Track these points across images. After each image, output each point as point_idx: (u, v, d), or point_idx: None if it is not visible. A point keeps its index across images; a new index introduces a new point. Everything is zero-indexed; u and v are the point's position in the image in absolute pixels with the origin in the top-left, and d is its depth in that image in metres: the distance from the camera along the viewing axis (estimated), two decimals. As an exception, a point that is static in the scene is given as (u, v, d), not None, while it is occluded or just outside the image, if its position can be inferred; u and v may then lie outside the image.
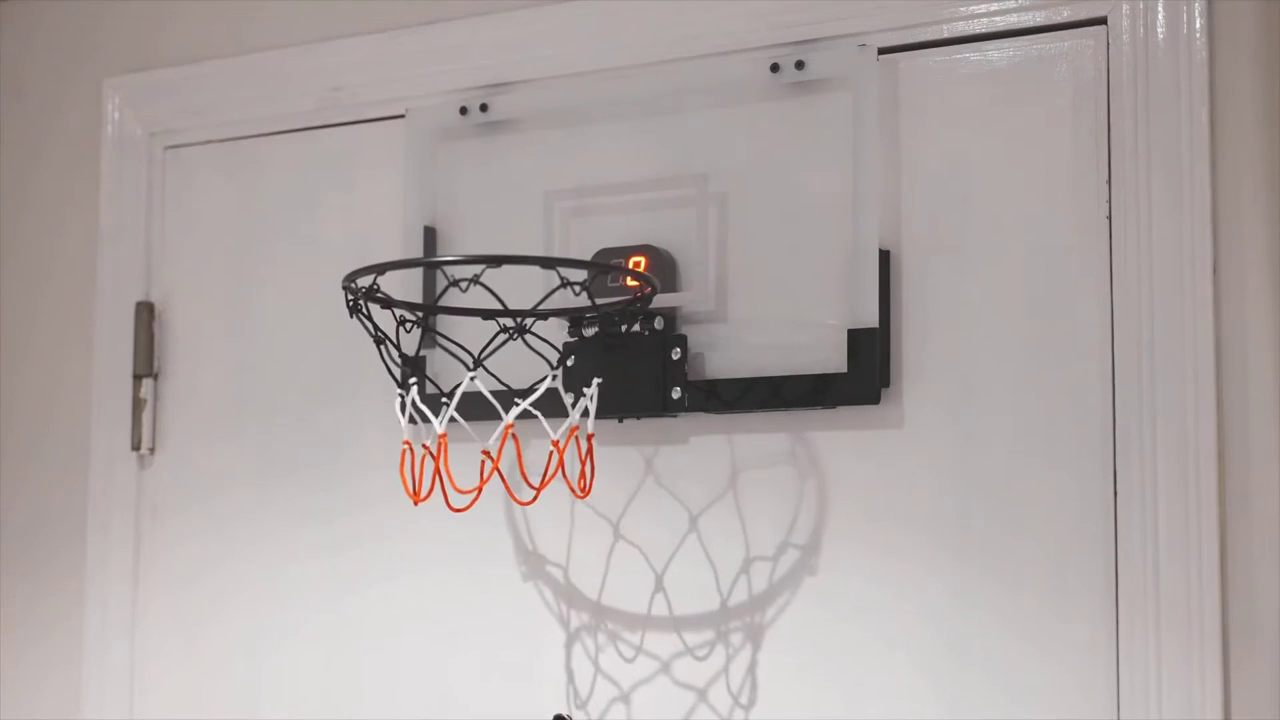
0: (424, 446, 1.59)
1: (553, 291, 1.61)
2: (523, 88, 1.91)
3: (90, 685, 2.13)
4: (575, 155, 1.87)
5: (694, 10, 1.82)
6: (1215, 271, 1.57)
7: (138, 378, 2.14)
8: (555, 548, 1.86)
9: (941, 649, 1.66)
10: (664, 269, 1.76)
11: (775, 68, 1.75)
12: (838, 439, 1.72)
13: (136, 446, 2.13)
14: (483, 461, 1.55)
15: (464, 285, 1.53)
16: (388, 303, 1.62)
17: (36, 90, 2.30)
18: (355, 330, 1.63)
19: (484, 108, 1.91)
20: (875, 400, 1.67)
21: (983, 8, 1.68)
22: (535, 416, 1.58)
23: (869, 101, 1.69)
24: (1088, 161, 1.63)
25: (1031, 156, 1.66)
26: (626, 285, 1.73)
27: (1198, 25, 1.59)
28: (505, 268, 1.52)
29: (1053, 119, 1.65)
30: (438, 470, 1.55)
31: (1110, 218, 1.61)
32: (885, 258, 1.69)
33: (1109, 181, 1.62)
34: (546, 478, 1.60)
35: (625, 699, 1.81)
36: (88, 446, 2.17)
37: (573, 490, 1.65)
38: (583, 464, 1.65)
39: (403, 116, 1.96)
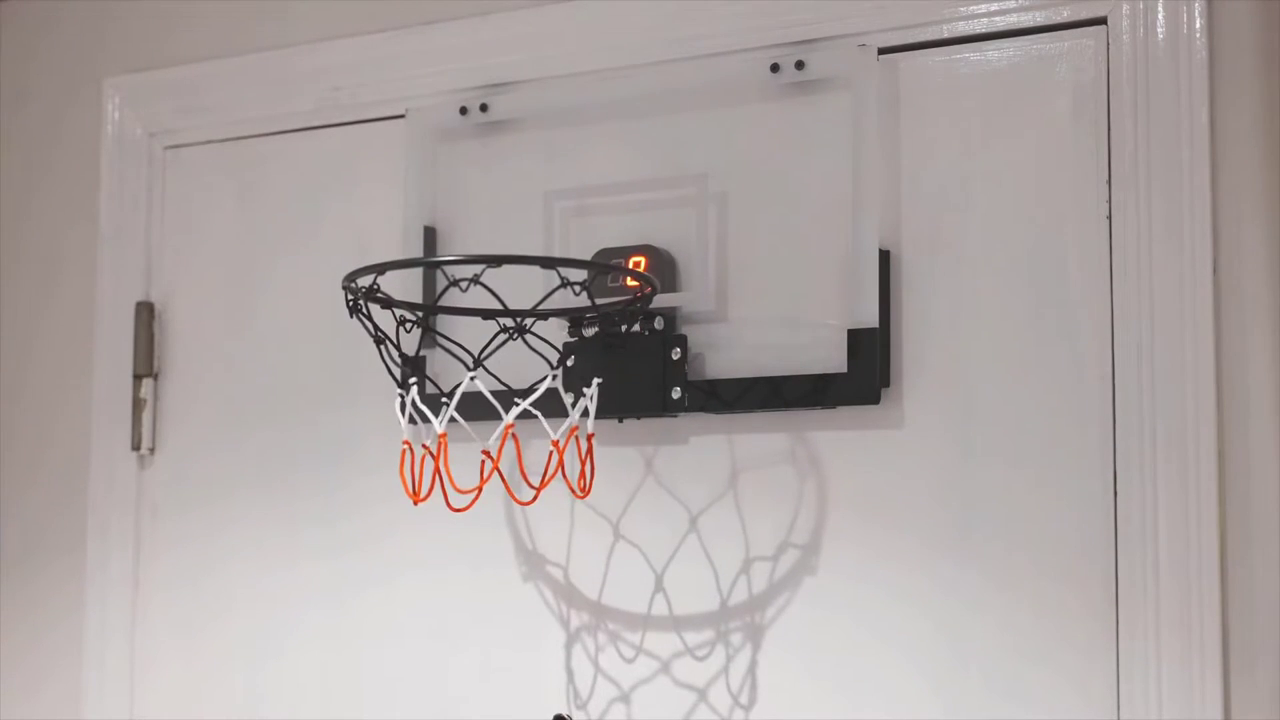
0: (424, 446, 1.59)
1: (553, 291, 1.61)
2: (523, 88, 1.91)
3: (90, 686, 2.13)
4: (575, 155, 1.87)
5: (694, 10, 1.82)
6: (1215, 271, 1.57)
7: (138, 378, 2.14)
8: (555, 548, 1.86)
9: (941, 649, 1.65)
10: (664, 269, 1.76)
11: (775, 68, 1.75)
12: (838, 439, 1.72)
13: (136, 447, 2.13)
14: (483, 461, 1.55)
15: (464, 285, 1.53)
16: (388, 303, 1.62)
17: (37, 90, 2.29)
18: (355, 330, 1.63)
19: (484, 108, 1.91)
20: (875, 400, 1.67)
21: (983, 8, 1.68)
22: (535, 416, 1.58)
23: (869, 102, 1.69)
24: (1088, 161, 1.63)
25: (1031, 156, 1.66)
26: (626, 285, 1.73)
27: (1198, 25, 1.59)
28: (505, 268, 1.52)
29: (1053, 119, 1.65)
30: (438, 470, 1.55)
31: (1110, 218, 1.61)
32: (885, 258, 1.69)
33: (1109, 181, 1.62)
34: (546, 478, 1.59)
35: (625, 699, 1.81)
36: (88, 446, 2.17)
37: (573, 490, 1.65)
38: (583, 464, 1.65)
39: (403, 116, 1.96)
